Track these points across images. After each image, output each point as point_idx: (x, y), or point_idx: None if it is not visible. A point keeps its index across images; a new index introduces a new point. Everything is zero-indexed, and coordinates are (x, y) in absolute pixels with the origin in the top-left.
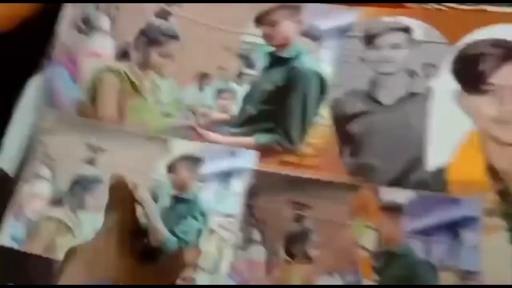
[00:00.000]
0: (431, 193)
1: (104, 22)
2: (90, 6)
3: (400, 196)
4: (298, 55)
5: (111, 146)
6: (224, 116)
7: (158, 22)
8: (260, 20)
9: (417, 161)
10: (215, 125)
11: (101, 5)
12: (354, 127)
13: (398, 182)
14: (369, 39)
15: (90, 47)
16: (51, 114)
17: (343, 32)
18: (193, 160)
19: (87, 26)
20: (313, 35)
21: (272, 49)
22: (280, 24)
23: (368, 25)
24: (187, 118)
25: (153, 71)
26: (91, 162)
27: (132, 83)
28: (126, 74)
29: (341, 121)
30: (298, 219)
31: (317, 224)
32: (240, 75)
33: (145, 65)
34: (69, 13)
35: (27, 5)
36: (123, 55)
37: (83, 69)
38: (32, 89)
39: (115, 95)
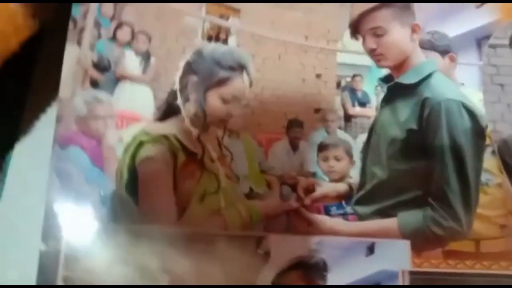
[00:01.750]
0: None
1: (131, 61)
2: (105, 41)
3: None
4: (427, 79)
5: (178, 263)
6: (340, 186)
7: (212, 46)
8: (357, 28)
9: None
10: (329, 203)
11: (121, 34)
12: None
13: None
14: None
15: (116, 108)
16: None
17: (481, 38)
18: (311, 269)
19: (104, 73)
20: (439, 46)
21: (385, 71)
22: (389, 33)
23: None
24: (285, 197)
25: (217, 126)
26: None
27: (189, 153)
28: (177, 139)
29: None
30: None
31: None
32: (348, 118)
33: (203, 119)
34: (71, 56)
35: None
36: (169, 110)
37: (111, 145)
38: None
39: (167, 178)
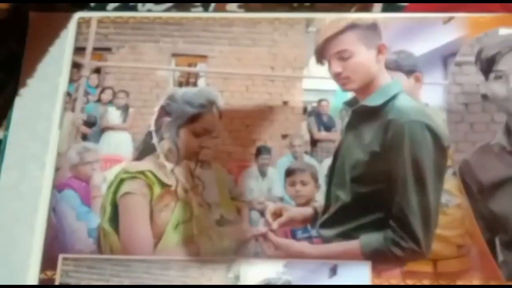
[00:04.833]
0: None
1: (112, 114)
2: (92, 104)
3: None
4: (391, 100)
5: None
6: (305, 211)
7: (183, 90)
8: (323, 53)
9: None
10: (295, 227)
11: (104, 96)
12: (501, 204)
13: None
14: (489, 64)
15: (101, 154)
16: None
17: (447, 56)
18: None
19: (92, 127)
20: (405, 66)
21: (350, 95)
22: (355, 55)
23: (482, 43)
24: (254, 223)
25: (190, 159)
26: None
27: (163, 185)
28: (153, 174)
29: (479, 196)
30: None
31: None
32: (314, 142)
33: (177, 153)
34: (68, 121)
35: None
36: (146, 149)
37: (97, 184)
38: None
39: (144, 210)
